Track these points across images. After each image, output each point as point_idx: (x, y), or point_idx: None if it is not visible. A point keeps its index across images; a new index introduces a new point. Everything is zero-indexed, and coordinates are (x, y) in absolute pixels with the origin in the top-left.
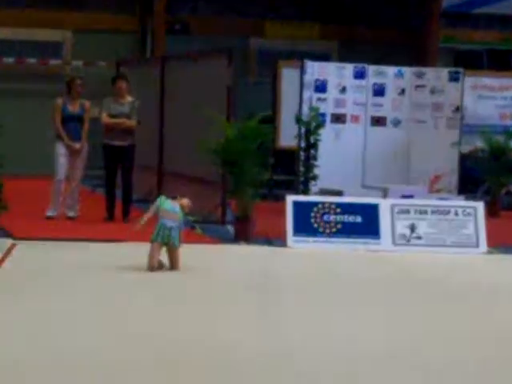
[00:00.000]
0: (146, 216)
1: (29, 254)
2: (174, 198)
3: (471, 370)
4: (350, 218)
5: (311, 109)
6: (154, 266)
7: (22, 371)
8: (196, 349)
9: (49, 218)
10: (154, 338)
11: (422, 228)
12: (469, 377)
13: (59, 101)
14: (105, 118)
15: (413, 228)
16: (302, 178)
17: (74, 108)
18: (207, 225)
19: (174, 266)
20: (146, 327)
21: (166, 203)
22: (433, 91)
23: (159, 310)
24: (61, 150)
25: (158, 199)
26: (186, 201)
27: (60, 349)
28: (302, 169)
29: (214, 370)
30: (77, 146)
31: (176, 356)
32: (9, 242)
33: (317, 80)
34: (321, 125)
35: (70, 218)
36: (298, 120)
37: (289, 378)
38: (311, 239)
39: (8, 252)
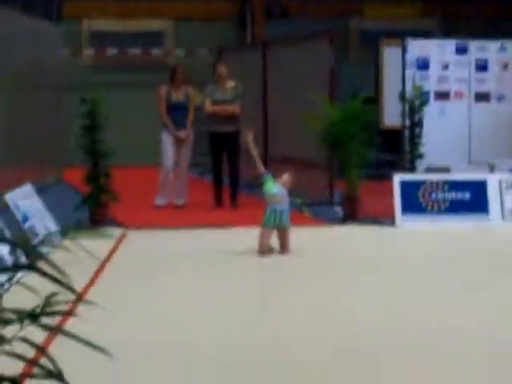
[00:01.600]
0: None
1: (140, 242)
2: (273, 176)
3: None
4: (458, 195)
5: (414, 87)
6: (265, 251)
7: None
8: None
9: (158, 206)
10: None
11: None
12: None
13: (163, 89)
14: (208, 106)
15: None
16: (408, 157)
17: (178, 96)
18: (315, 207)
19: (284, 248)
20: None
21: (272, 188)
22: None
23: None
24: (167, 138)
25: (265, 179)
26: (286, 177)
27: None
28: (407, 147)
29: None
30: (182, 134)
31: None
32: (120, 231)
33: (419, 58)
34: (425, 102)
35: (179, 207)
36: (402, 99)
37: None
38: (420, 218)
39: (120, 241)
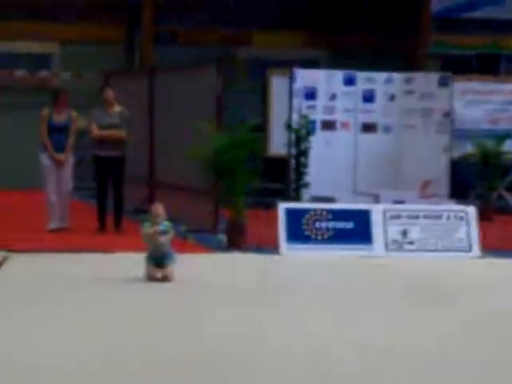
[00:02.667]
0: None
1: (20, 266)
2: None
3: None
4: (342, 225)
5: (301, 116)
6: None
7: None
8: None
9: (51, 230)
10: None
11: (415, 233)
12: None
13: (45, 111)
14: (95, 130)
15: (405, 233)
16: (293, 186)
17: (59, 118)
18: (200, 234)
19: (168, 277)
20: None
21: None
22: (422, 96)
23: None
24: (46, 161)
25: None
26: (157, 208)
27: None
28: (293, 176)
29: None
30: (61, 157)
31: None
32: (1, 254)
33: (306, 87)
34: (311, 132)
35: (61, 229)
36: (289, 127)
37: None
38: (304, 246)
39: (0, 264)
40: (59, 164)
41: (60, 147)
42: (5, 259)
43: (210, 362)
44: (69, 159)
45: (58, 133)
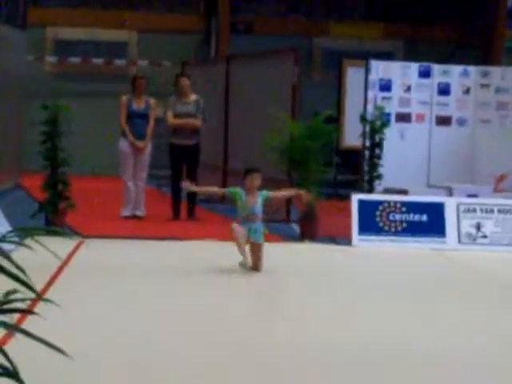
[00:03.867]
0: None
1: (96, 250)
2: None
3: None
4: (416, 217)
5: (376, 108)
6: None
7: None
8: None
9: (124, 217)
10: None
11: (488, 227)
12: None
13: (124, 98)
14: (170, 119)
15: (479, 227)
16: (366, 178)
17: (139, 105)
18: (272, 223)
19: (257, 265)
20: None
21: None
22: (498, 90)
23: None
24: (125, 147)
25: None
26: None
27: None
28: (366, 168)
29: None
30: (140, 144)
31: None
32: (76, 239)
33: (381, 79)
34: (385, 124)
35: (137, 217)
36: (363, 119)
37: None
38: (376, 238)
39: (76, 248)
40: (138, 151)
41: (139, 134)
42: (79, 244)
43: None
44: (148, 146)
45: (137, 119)
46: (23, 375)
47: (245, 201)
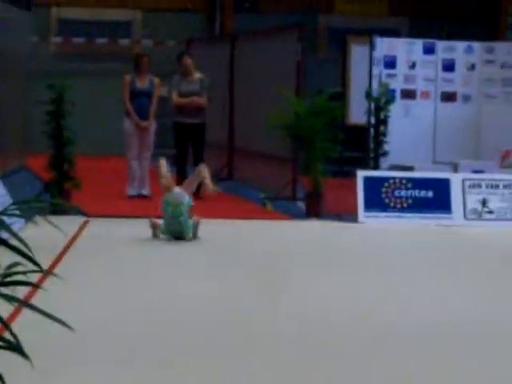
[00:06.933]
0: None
1: (102, 229)
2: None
3: None
4: (421, 193)
5: (381, 85)
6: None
7: None
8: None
9: (130, 197)
10: None
11: (494, 202)
12: None
13: (128, 77)
14: (175, 98)
15: (484, 202)
16: (372, 155)
17: (142, 84)
18: (278, 201)
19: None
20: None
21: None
22: (503, 66)
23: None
24: (128, 126)
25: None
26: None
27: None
28: (371, 145)
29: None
30: (144, 124)
31: None
32: (82, 218)
33: (386, 56)
34: (390, 101)
35: (143, 196)
36: (368, 96)
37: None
38: (382, 214)
39: (82, 227)
40: (142, 130)
41: (143, 113)
42: (85, 224)
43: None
44: (152, 125)
45: (140, 98)
46: (27, 350)
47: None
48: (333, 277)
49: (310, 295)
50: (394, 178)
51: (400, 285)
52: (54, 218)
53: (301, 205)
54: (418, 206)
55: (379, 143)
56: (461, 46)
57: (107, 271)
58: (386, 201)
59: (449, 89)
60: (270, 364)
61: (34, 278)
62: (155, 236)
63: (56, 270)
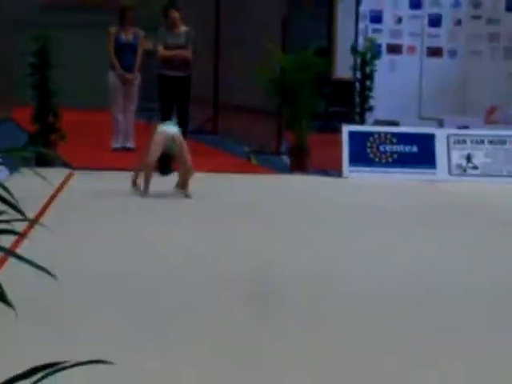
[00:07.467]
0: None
1: (86, 182)
2: None
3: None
4: (406, 148)
5: (367, 39)
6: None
7: None
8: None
9: (114, 149)
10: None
11: (479, 158)
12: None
13: (113, 29)
14: (161, 51)
15: (469, 158)
16: (357, 109)
17: (127, 36)
18: (263, 155)
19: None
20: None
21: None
22: (489, 21)
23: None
24: (113, 79)
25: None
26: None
27: None
28: (357, 100)
29: None
30: (129, 76)
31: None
32: (67, 171)
33: (372, 11)
34: (376, 55)
35: (128, 149)
36: (354, 51)
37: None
38: (367, 169)
39: (67, 179)
40: (127, 83)
41: (128, 66)
42: (70, 176)
43: None
44: (136, 78)
45: (125, 51)
46: (11, 297)
47: None
48: (316, 229)
49: (296, 250)
50: (379, 133)
51: (385, 238)
52: (38, 170)
53: (285, 159)
54: (403, 161)
55: (365, 98)
56: (447, 0)
57: (92, 222)
58: (371, 155)
59: (435, 44)
60: (261, 314)
61: (19, 228)
62: (135, 185)
63: (41, 221)
